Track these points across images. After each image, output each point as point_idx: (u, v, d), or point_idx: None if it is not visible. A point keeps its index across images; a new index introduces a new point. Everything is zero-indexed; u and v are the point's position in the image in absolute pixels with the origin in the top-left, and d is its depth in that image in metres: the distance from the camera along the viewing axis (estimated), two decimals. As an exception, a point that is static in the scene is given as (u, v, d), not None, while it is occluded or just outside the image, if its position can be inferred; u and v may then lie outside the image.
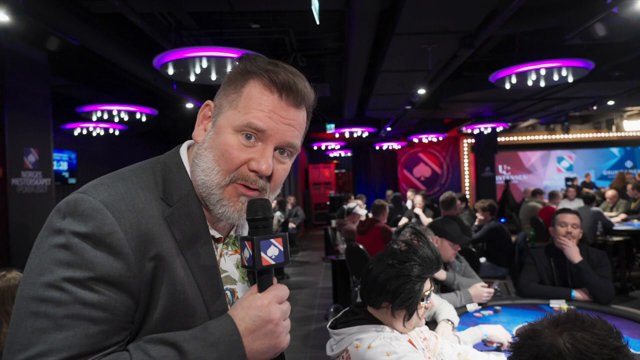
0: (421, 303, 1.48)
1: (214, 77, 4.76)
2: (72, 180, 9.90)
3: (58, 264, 0.71)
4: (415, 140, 12.48)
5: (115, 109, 7.42)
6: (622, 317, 2.39)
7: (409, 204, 8.92)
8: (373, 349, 1.40)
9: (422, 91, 5.95)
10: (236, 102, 0.85)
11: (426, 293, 1.49)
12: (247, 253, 0.80)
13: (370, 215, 5.51)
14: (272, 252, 0.79)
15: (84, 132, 8.96)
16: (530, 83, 5.74)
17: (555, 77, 5.57)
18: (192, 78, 4.72)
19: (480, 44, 4.70)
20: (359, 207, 6.02)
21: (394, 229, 5.51)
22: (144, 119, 7.89)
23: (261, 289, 0.80)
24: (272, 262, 0.79)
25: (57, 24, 4.26)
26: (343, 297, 5.36)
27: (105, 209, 0.74)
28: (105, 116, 7.59)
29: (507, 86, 5.92)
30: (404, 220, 7.36)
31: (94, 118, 7.66)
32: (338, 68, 7.34)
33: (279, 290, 0.81)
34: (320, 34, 5.98)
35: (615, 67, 6.10)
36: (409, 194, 9.60)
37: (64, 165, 9.70)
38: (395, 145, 13.88)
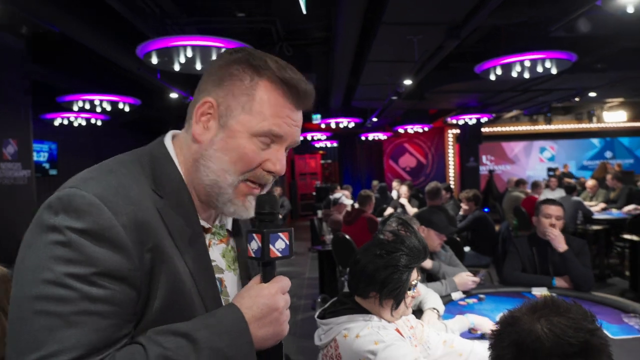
0: (408, 292, 1.51)
1: (199, 66, 4.69)
2: (53, 172, 9.72)
3: (58, 261, 0.70)
4: (401, 130, 12.52)
5: (97, 98, 7.26)
6: (602, 303, 2.46)
7: (394, 194, 8.98)
8: (361, 338, 1.42)
9: (408, 82, 5.96)
10: (249, 105, 0.85)
11: (413, 282, 1.51)
12: (255, 245, 0.84)
13: (357, 205, 5.54)
14: (279, 245, 0.84)
15: (65, 122, 8.78)
16: (514, 74, 5.79)
17: (540, 69, 5.62)
18: (177, 67, 4.64)
19: (466, 35, 4.71)
20: (345, 197, 6.04)
21: (379, 219, 5.55)
22: (127, 109, 7.74)
23: (266, 280, 0.84)
24: (279, 255, 0.84)
25: (36, 10, 4.14)
26: (329, 287, 5.40)
27: (100, 203, 0.73)
28: (87, 106, 7.42)
29: (492, 77, 5.96)
30: (389, 211, 7.41)
31: (75, 108, 7.49)
32: (325, 58, 7.30)
33: (283, 282, 0.85)
34: (307, 23, 5.94)
35: (598, 60, 6.20)
36: (395, 184, 9.65)
37: (44, 156, 9.50)
38: (381, 136, 13.91)
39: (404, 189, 7.44)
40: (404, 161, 15.46)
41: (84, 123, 8.95)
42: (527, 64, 5.55)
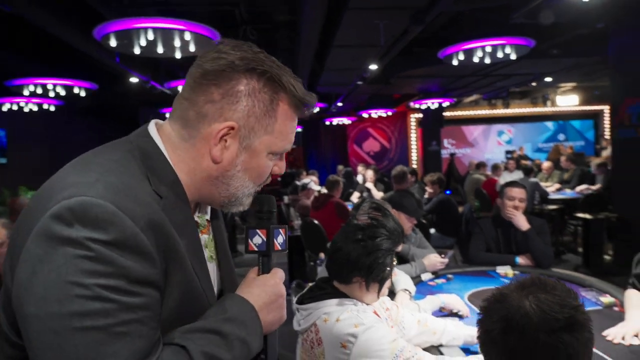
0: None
1: (160, 49, 4.54)
2: (3, 160, 9.25)
3: (88, 275, 0.68)
4: (365, 115, 12.62)
5: (50, 82, 6.91)
6: (561, 279, 2.59)
7: (359, 179, 9.08)
8: (341, 322, 1.44)
9: (373, 66, 5.99)
10: (271, 126, 0.87)
11: (393, 264, 1.55)
12: (258, 239, 0.92)
13: (324, 190, 5.57)
14: (280, 239, 0.94)
15: (15, 107, 8.31)
16: (476, 60, 5.94)
17: (500, 54, 5.79)
18: (137, 51, 4.47)
19: (431, 19, 4.77)
20: (313, 182, 6.06)
21: (347, 204, 5.62)
22: (82, 93, 7.41)
23: (265, 271, 0.93)
24: (280, 248, 0.94)
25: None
26: (299, 272, 5.42)
27: (119, 211, 0.71)
28: (39, 90, 7.06)
29: (455, 62, 6.09)
30: (356, 195, 7.50)
31: (26, 92, 7.10)
32: (289, 42, 7.21)
33: (280, 272, 0.94)
34: (271, 6, 5.83)
35: (554, 46, 6.44)
36: (360, 168, 9.75)
37: (-8, 144, 9.02)
38: (346, 121, 13.96)
39: (370, 174, 7.53)
40: (368, 145, 15.62)
41: (35, 108, 8.50)
42: (489, 49, 5.70)
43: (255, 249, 0.92)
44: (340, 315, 1.46)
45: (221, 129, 0.83)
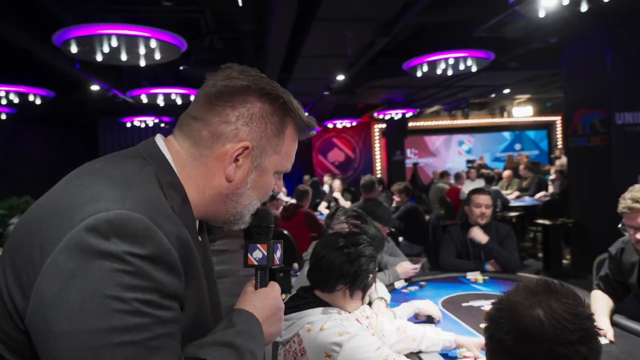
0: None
1: (124, 57, 4.41)
2: (-51, 171, 8.69)
3: (127, 289, 0.67)
4: (330, 125, 12.70)
5: (2, 89, 6.57)
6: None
7: (326, 188, 9.11)
8: (326, 331, 1.42)
9: (341, 77, 6.05)
10: (279, 147, 0.92)
11: (375, 271, 1.56)
12: (259, 254, 0.95)
13: (293, 200, 5.55)
14: (278, 254, 0.96)
15: (-38, 115, 7.87)
16: (439, 71, 6.11)
17: (462, 67, 6.00)
18: (99, 58, 4.33)
19: (397, 31, 4.87)
20: (282, 193, 6.03)
21: (315, 213, 5.61)
22: (38, 101, 7.09)
23: (263, 284, 0.95)
24: (278, 263, 0.96)
25: None
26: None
27: (154, 226, 0.72)
28: (-10, 98, 6.70)
29: (419, 74, 6.25)
30: (323, 205, 7.52)
31: (-25, 100, 6.73)
32: (255, 51, 7.18)
33: (277, 286, 0.97)
34: (237, 15, 5.79)
35: (512, 59, 6.72)
36: (327, 178, 9.79)
37: (-63, 154, 8.47)
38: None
39: (337, 183, 7.58)
40: (333, 156, 15.72)
41: (-15, 117, 8.08)
42: (451, 61, 5.90)
43: (256, 263, 0.94)
44: (324, 324, 1.44)
45: (236, 149, 0.86)
